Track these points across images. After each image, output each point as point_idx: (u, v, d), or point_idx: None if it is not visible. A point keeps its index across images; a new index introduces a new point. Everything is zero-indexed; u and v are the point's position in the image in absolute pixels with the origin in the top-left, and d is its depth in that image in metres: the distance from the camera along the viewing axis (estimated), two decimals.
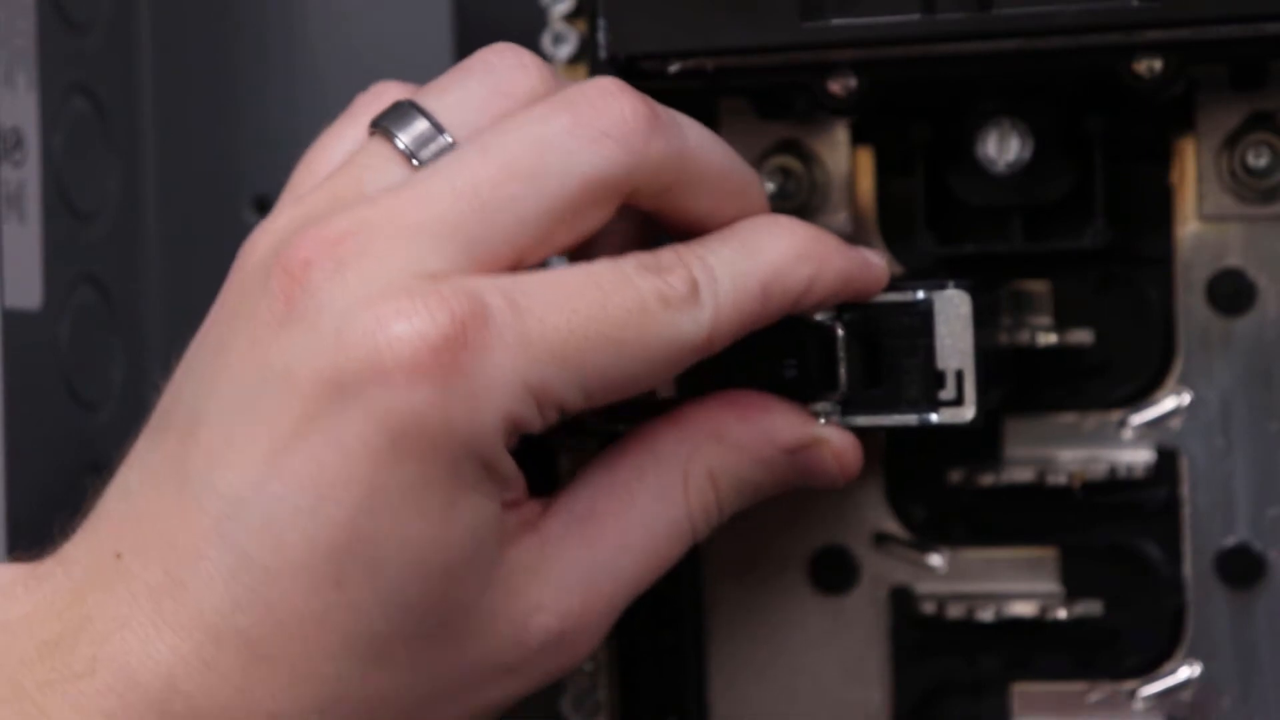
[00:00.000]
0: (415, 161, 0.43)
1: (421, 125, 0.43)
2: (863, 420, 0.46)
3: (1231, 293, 0.50)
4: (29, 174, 0.51)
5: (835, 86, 0.48)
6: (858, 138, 0.51)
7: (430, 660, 0.41)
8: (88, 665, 0.39)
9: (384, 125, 0.43)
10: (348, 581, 0.39)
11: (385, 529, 0.39)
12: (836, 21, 0.46)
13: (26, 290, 0.51)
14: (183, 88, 0.59)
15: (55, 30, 0.52)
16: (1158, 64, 0.46)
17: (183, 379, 0.43)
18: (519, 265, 0.42)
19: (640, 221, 0.45)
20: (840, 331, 0.45)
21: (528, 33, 0.52)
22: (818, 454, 0.45)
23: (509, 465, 0.41)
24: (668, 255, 0.43)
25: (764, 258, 0.44)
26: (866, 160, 0.52)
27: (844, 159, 0.51)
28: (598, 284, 0.42)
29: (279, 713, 0.40)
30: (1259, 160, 0.49)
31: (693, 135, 0.44)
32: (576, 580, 0.43)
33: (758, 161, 0.51)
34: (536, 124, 0.42)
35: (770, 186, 0.51)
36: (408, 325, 0.39)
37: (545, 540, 0.43)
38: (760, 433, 0.45)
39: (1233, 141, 0.49)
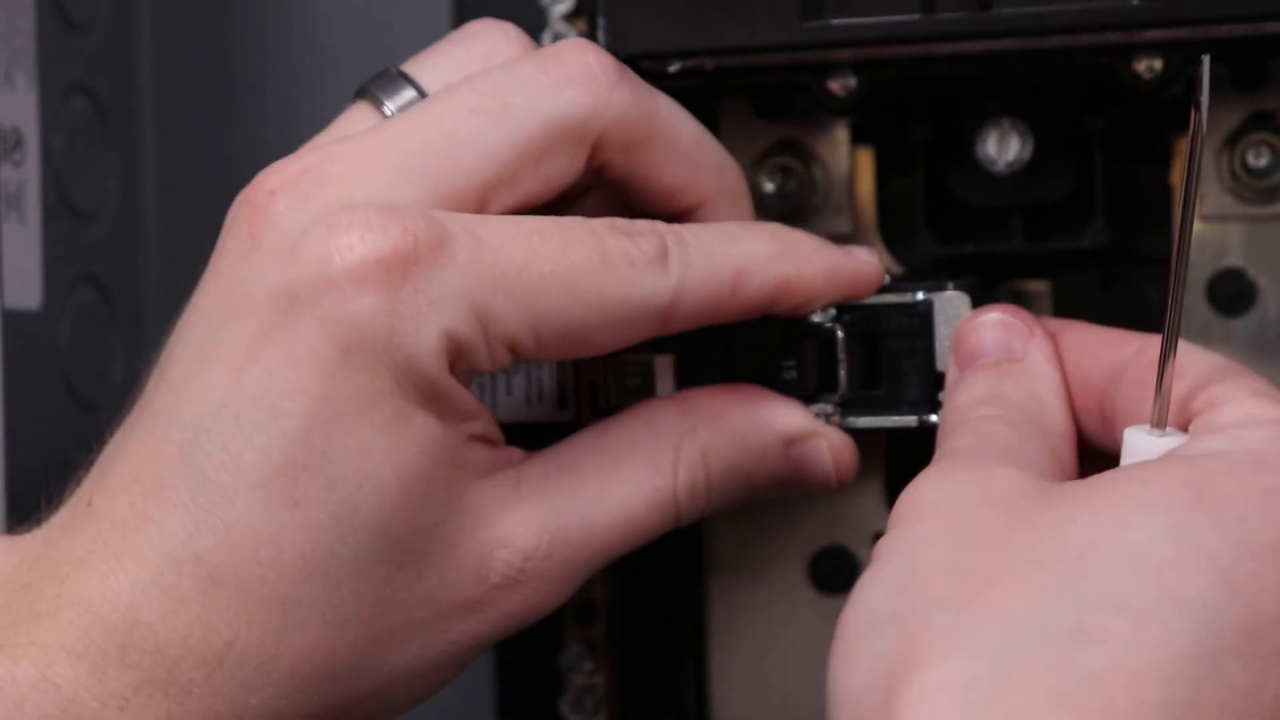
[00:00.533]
0: (388, 113, 0.44)
1: (406, 90, 0.44)
2: (862, 421, 0.46)
3: (1232, 293, 0.50)
4: (29, 174, 0.51)
5: (835, 86, 0.48)
6: (858, 137, 0.51)
7: (388, 586, 0.41)
8: (52, 604, 0.39)
9: (369, 89, 0.44)
10: (303, 499, 0.39)
11: (338, 441, 0.40)
12: (836, 21, 0.46)
13: (26, 290, 0.51)
14: (183, 88, 0.59)
15: (55, 30, 0.52)
16: (1158, 63, 0.46)
17: (170, 340, 0.43)
18: (484, 207, 0.42)
19: (617, 205, 0.45)
20: (840, 333, 0.45)
21: (527, 32, 0.52)
22: (815, 447, 0.45)
23: (462, 393, 0.41)
24: (643, 223, 0.43)
25: (740, 248, 0.44)
26: (866, 160, 0.51)
27: (844, 159, 0.51)
28: (562, 230, 0.42)
29: (236, 640, 0.39)
30: (1259, 160, 0.49)
31: (663, 101, 0.45)
32: (546, 523, 0.42)
33: (758, 161, 0.51)
34: (503, 70, 0.43)
35: (770, 186, 0.51)
36: (360, 238, 0.40)
37: (521, 480, 0.43)
38: (759, 418, 0.45)
39: (1233, 141, 0.49)
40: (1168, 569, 0.34)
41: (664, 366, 0.46)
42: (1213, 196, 0.50)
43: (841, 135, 0.51)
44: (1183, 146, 0.50)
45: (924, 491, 0.38)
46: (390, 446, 0.40)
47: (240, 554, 0.39)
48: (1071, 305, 0.51)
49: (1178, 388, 0.40)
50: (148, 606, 0.39)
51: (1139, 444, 0.39)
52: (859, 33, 0.46)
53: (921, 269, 0.51)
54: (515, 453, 0.43)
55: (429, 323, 0.40)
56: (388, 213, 0.40)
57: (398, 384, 0.40)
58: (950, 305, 0.45)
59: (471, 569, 0.42)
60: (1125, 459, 0.39)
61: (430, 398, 0.41)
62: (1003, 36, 0.46)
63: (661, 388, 0.46)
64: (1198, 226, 0.50)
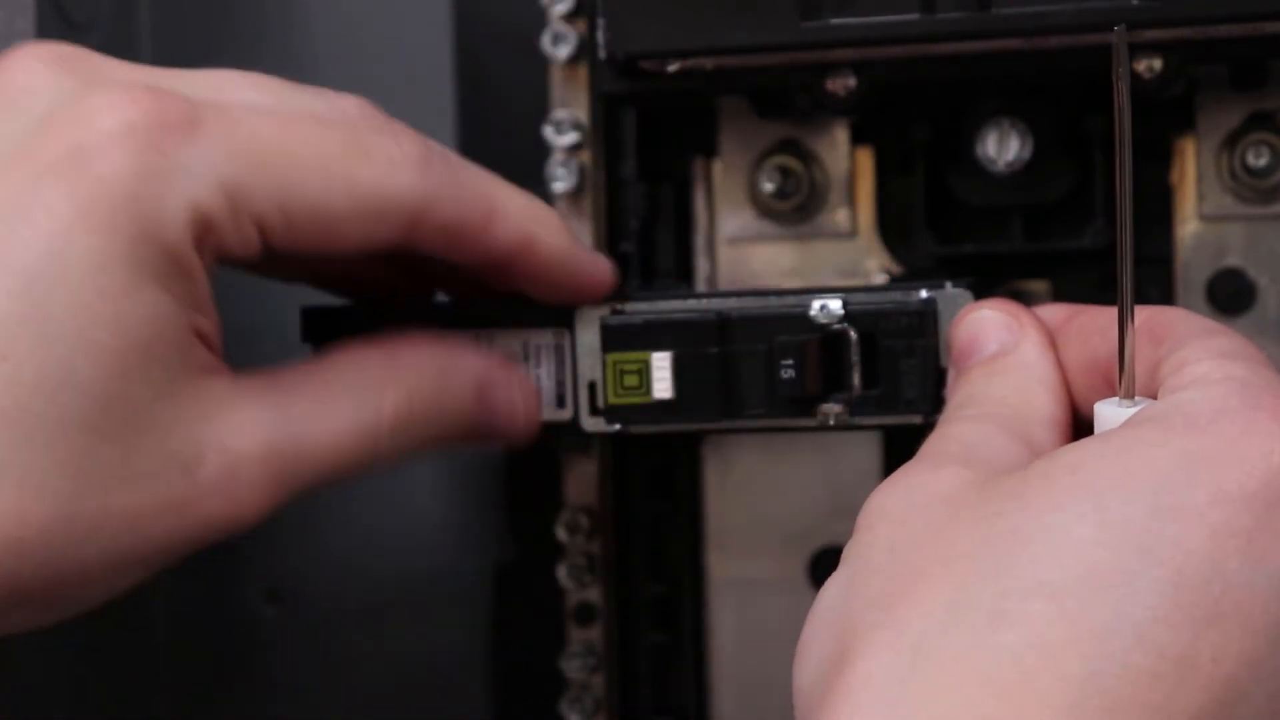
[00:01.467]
0: None
1: None
2: (867, 420, 0.46)
3: (1231, 292, 0.50)
4: None
5: (835, 86, 0.48)
6: (857, 137, 0.51)
7: (92, 459, 0.39)
8: None
9: None
10: (13, 354, 0.38)
11: (61, 301, 0.39)
12: (836, 21, 0.46)
13: None
14: None
15: (55, 30, 0.52)
16: (1157, 63, 0.46)
17: None
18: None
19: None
20: (854, 336, 0.45)
21: (527, 32, 0.52)
22: (504, 394, 0.46)
23: (199, 276, 0.41)
24: (409, 131, 0.44)
25: (500, 193, 0.44)
26: (866, 160, 0.51)
27: (844, 159, 0.51)
28: (321, 121, 0.42)
29: None
30: (1259, 160, 0.49)
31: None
32: (262, 432, 0.42)
33: (757, 161, 0.51)
34: None
35: (770, 186, 0.51)
36: (112, 105, 0.40)
37: (240, 389, 0.42)
38: (457, 364, 0.45)
39: (1233, 141, 0.49)
40: (1089, 545, 0.34)
41: (661, 365, 0.46)
42: (1212, 196, 0.50)
43: (841, 135, 0.51)
44: (1182, 146, 0.50)
45: (878, 497, 0.39)
46: (116, 313, 0.39)
47: None
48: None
49: (1158, 353, 0.39)
50: None
51: (1106, 415, 0.39)
52: (859, 33, 0.46)
53: (921, 269, 0.51)
54: (229, 368, 0.43)
55: (176, 192, 0.40)
56: (142, 88, 0.40)
57: (134, 251, 0.39)
58: (954, 303, 0.45)
59: (181, 463, 0.41)
60: (1096, 432, 0.39)
61: (166, 274, 0.40)
62: (1002, 36, 0.46)
63: (659, 386, 0.46)
64: (1198, 226, 0.50)
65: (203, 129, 0.40)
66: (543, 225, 0.45)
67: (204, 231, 0.40)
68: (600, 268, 0.47)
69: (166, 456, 0.40)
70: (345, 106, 0.44)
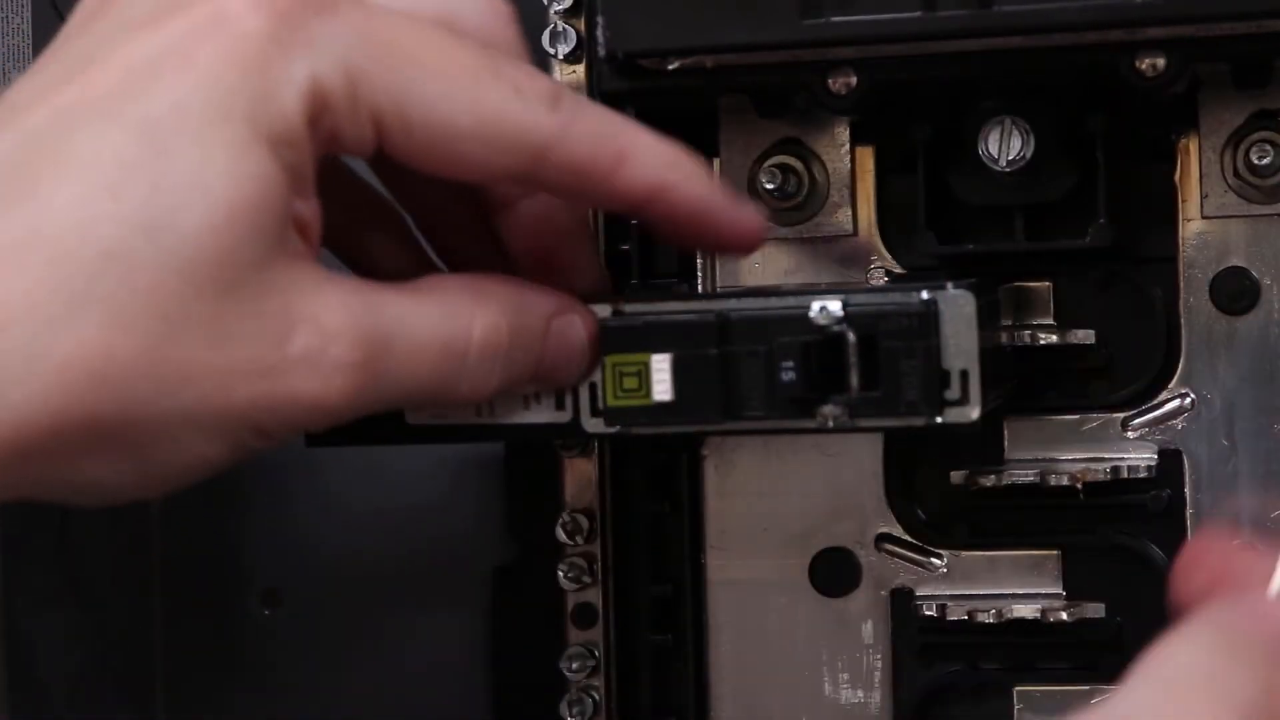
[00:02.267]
0: None
1: None
2: (868, 422, 0.45)
3: (1235, 292, 0.49)
4: None
5: (835, 85, 0.48)
6: (858, 136, 0.51)
7: (184, 308, 0.39)
8: None
9: None
10: (124, 196, 0.39)
11: (178, 148, 0.39)
12: (836, 19, 0.46)
13: None
14: None
15: (51, 26, 0.52)
16: (1160, 61, 0.46)
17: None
18: None
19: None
20: (852, 337, 0.44)
21: (527, 30, 0.52)
22: (569, 322, 0.45)
23: (308, 158, 0.41)
24: (544, 75, 0.43)
25: (634, 136, 0.43)
26: (867, 159, 0.51)
27: (844, 158, 0.51)
28: (456, 36, 0.42)
29: (9, 324, 0.38)
30: (1263, 159, 0.49)
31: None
32: (355, 317, 0.41)
33: (758, 160, 0.51)
34: None
35: (770, 185, 0.51)
36: None
37: (332, 278, 0.42)
38: (530, 297, 0.45)
39: (1236, 140, 0.49)
40: None
41: (661, 367, 0.46)
42: (1216, 195, 0.49)
43: (842, 134, 0.51)
44: (1185, 145, 0.50)
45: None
46: (229, 168, 0.39)
47: (39, 236, 0.38)
48: (1073, 305, 0.51)
49: None
50: None
51: None
52: (859, 31, 0.46)
53: (922, 268, 0.50)
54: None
55: (302, 61, 0.40)
56: None
57: (253, 111, 0.39)
58: (955, 304, 0.44)
59: (273, 330, 0.40)
60: None
61: (280, 140, 0.40)
62: (1004, 34, 0.46)
63: (659, 388, 0.46)
64: (1201, 225, 0.50)
65: (337, 10, 0.40)
66: (679, 171, 0.44)
67: (320, 109, 0.40)
68: (745, 218, 0.45)
69: (259, 320, 0.40)
70: (486, 14, 0.44)
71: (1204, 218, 0.50)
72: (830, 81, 0.47)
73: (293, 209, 0.41)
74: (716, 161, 0.52)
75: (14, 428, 0.38)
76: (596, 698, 0.53)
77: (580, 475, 0.53)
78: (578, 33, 0.51)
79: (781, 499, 0.51)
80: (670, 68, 0.48)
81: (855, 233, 0.51)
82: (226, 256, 0.39)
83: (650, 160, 0.43)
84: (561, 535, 0.53)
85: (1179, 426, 0.50)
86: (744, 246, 0.46)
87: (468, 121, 0.41)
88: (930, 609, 0.51)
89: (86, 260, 0.38)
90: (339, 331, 0.41)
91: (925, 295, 0.44)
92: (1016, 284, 0.51)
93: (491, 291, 0.44)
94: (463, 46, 0.42)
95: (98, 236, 0.38)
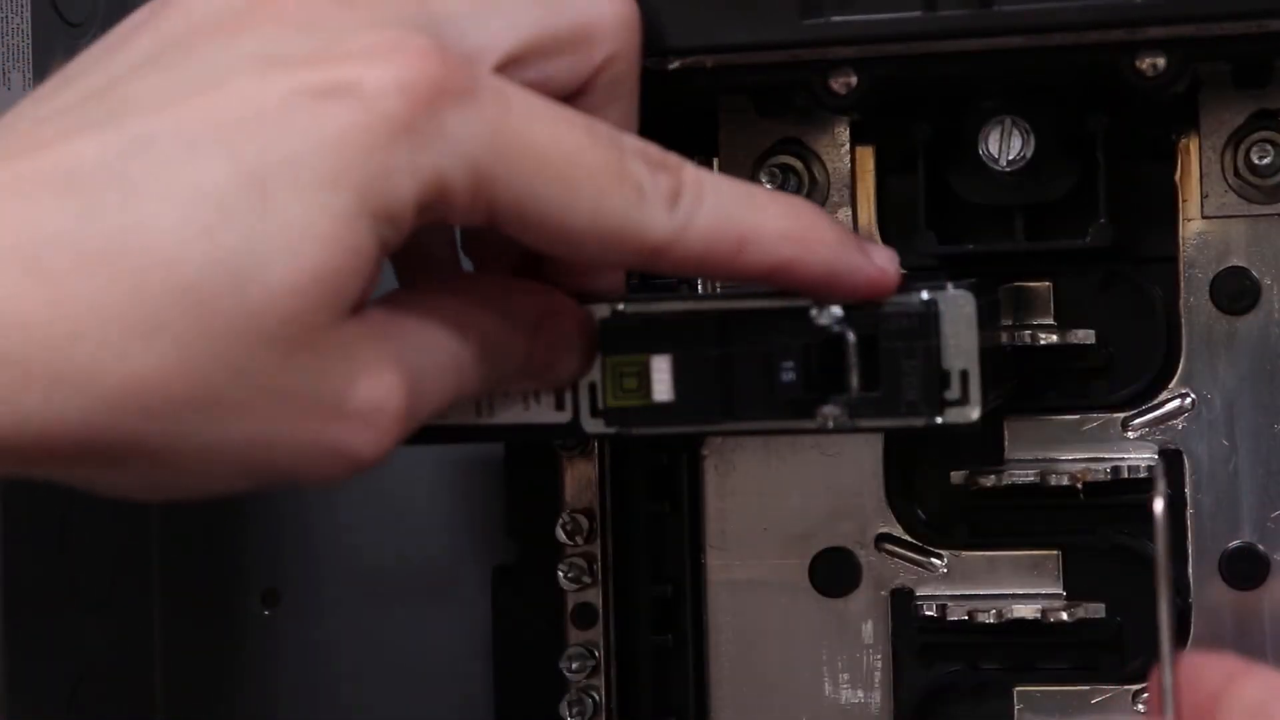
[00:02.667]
0: None
1: None
2: (868, 423, 0.45)
3: (1235, 292, 0.49)
4: None
5: (836, 84, 0.47)
6: (858, 136, 0.51)
7: (259, 362, 0.39)
8: None
9: None
10: (218, 234, 0.38)
11: (285, 204, 0.38)
12: (837, 18, 0.46)
13: None
14: None
15: (51, 28, 0.52)
16: (1161, 61, 0.46)
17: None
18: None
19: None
20: (852, 338, 0.44)
21: None
22: (561, 330, 0.45)
23: (402, 238, 0.40)
24: (673, 158, 0.43)
25: (755, 217, 0.43)
26: (867, 159, 0.51)
27: (845, 157, 0.51)
28: (590, 130, 0.41)
29: (82, 336, 0.37)
30: (1263, 159, 0.49)
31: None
32: (400, 370, 0.41)
33: (758, 160, 0.51)
34: None
35: (770, 185, 0.51)
36: (404, 53, 0.39)
37: (373, 328, 0.41)
38: (519, 299, 0.45)
39: (1237, 140, 0.49)
40: None
41: (661, 367, 0.46)
42: (1216, 195, 0.49)
43: (842, 134, 0.51)
44: (1186, 145, 0.50)
45: None
46: (327, 235, 0.39)
47: (125, 254, 0.38)
48: (1073, 304, 0.50)
49: None
50: None
51: None
52: (860, 30, 0.46)
53: (923, 268, 0.50)
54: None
55: (430, 153, 0.39)
56: (429, 41, 0.40)
57: (368, 188, 0.39)
58: (955, 304, 0.44)
59: (332, 389, 0.40)
60: None
61: (385, 219, 0.39)
62: (1004, 34, 0.46)
63: (659, 388, 0.46)
64: (1201, 225, 0.50)
65: (476, 103, 0.40)
66: (802, 246, 0.43)
67: (435, 200, 0.40)
68: (872, 271, 0.44)
69: (321, 378, 0.40)
70: (621, 39, 0.44)
71: (1204, 217, 0.49)
72: (830, 81, 0.47)
73: (375, 278, 0.40)
74: (716, 161, 0.52)
75: (56, 436, 0.38)
76: (596, 698, 0.53)
77: (580, 475, 0.53)
78: None
79: (781, 499, 0.51)
80: (670, 67, 0.48)
81: (856, 232, 0.51)
82: (305, 318, 0.39)
83: (770, 242, 0.43)
84: (561, 535, 0.53)
85: (1179, 426, 0.50)
86: (876, 294, 0.44)
87: (585, 227, 0.41)
88: (930, 609, 0.51)
89: (167, 292, 0.38)
90: (391, 389, 0.41)
91: (925, 296, 0.44)
92: (1016, 284, 0.51)
93: (484, 295, 0.44)
94: (593, 143, 0.41)
95: (184, 273, 0.38)
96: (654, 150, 0.42)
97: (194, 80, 0.40)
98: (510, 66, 0.42)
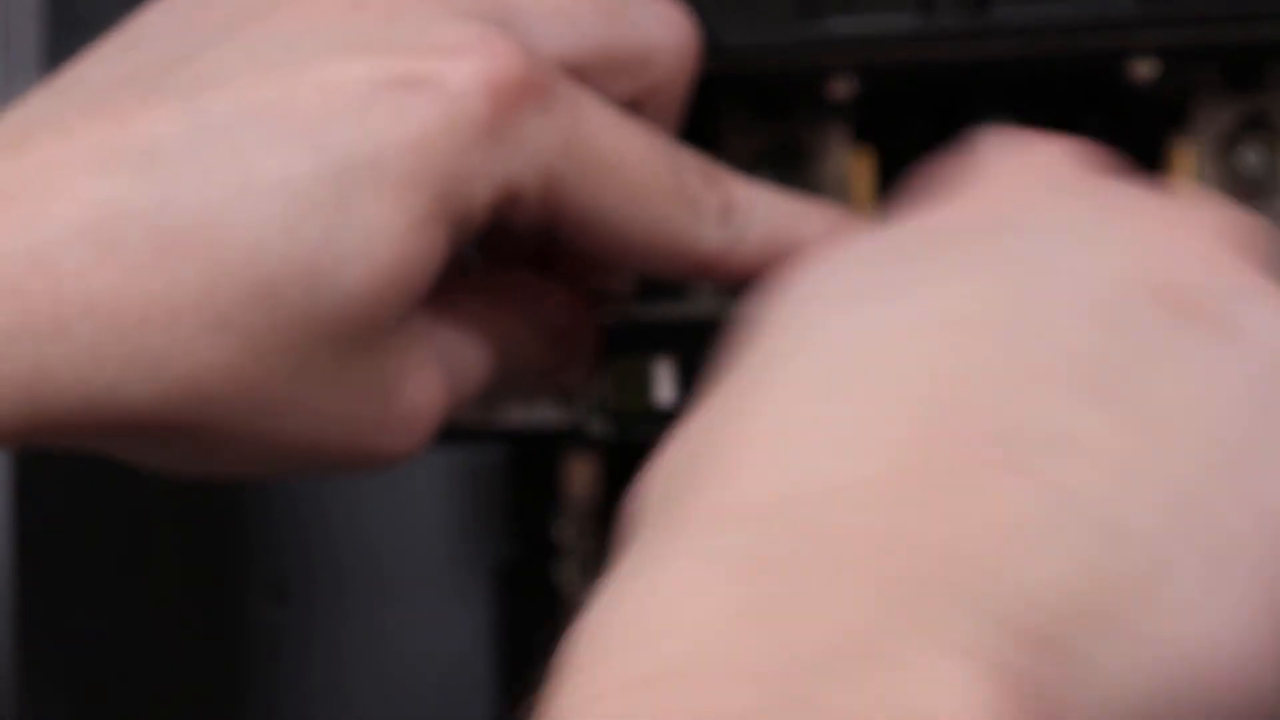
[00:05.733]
0: None
1: None
2: None
3: None
4: None
5: (833, 87, 0.48)
6: (856, 139, 0.51)
7: (321, 358, 0.39)
8: None
9: None
10: (301, 236, 0.37)
11: (360, 203, 0.38)
12: (834, 22, 0.46)
13: None
14: None
15: (59, 31, 0.52)
16: (1154, 66, 0.46)
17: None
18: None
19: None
20: None
21: None
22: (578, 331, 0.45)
23: (470, 239, 0.40)
24: (727, 175, 0.43)
25: (804, 230, 0.44)
26: (865, 162, 0.52)
27: (843, 160, 0.51)
28: (653, 141, 0.41)
29: (148, 313, 0.37)
30: (1255, 162, 0.49)
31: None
32: (443, 371, 0.41)
33: (757, 162, 0.51)
34: None
35: None
36: (483, 42, 0.39)
37: (419, 328, 0.41)
38: (540, 301, 0.45)
39: (1229, 143, 0.49)
40: None
41: (664, 369, 0.46)
42: (1209, 198, 0.50)
43: (840, 136, 0.51)
44: (1177, 149, 0.50)
45: None
46: (404, 237, 0.38)
47: (203, 243, 0.37)
48: None
49: None
50: (66, 250, 0.37)
51: None
52: (858, 34, 0.46)
53: None
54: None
55: (508, 159, 0.39)
56: (513, 41, 0.39)
57: (446, 190, 0.38)
58: None
59: (384, 389, 0.40)
60: None
61: (459, 222, 0.39)
62: (1000, 39, 0.46)
63: (661, 391, 0.46)
64: None
65: (554, 108, 0.39)
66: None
67: (507, 204, 0.40)
68: None
69: (376, 377, 0.40)
70: (674, 65, 0.44)
71: None
72: (828, 84, 0.48)
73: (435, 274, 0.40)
74: None
75: (120, 418, 0.38)
76: None
77: (581, 475, 0.53)
78: None
79: None
80: None
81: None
82: (373, 319, 0.39)
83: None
84: (562, 535, 0.53)
85: None
86: None
87: (641, 238, 0.41)
88: None
89: (242, 286, 0.37)
90: (435, 391, 0.41)
91: None
92: None
93: (515, 298, 0.44)
94: (656, 156, 0.41)
95: (261, 269, 0.37)
96: (708, 165, 0.43)
97: (275, 60, 0.39)
98: (571, 76, 0.42)
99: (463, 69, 0.38)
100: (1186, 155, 0.50)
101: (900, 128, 0.51)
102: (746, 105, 0.51)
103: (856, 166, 0.51)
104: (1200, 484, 0.31)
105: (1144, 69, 0.46)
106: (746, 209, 0.43)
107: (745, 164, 0.52)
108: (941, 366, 0.32)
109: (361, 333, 0.39)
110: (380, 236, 0.38)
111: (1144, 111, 0.49)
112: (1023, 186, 0.37)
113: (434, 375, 0.41)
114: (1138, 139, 0.50)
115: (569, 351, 0.45)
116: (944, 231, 0.36)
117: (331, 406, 0.40)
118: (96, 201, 0.37)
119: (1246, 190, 0.49)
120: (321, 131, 0.38)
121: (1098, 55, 0.47)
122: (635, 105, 0.44)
